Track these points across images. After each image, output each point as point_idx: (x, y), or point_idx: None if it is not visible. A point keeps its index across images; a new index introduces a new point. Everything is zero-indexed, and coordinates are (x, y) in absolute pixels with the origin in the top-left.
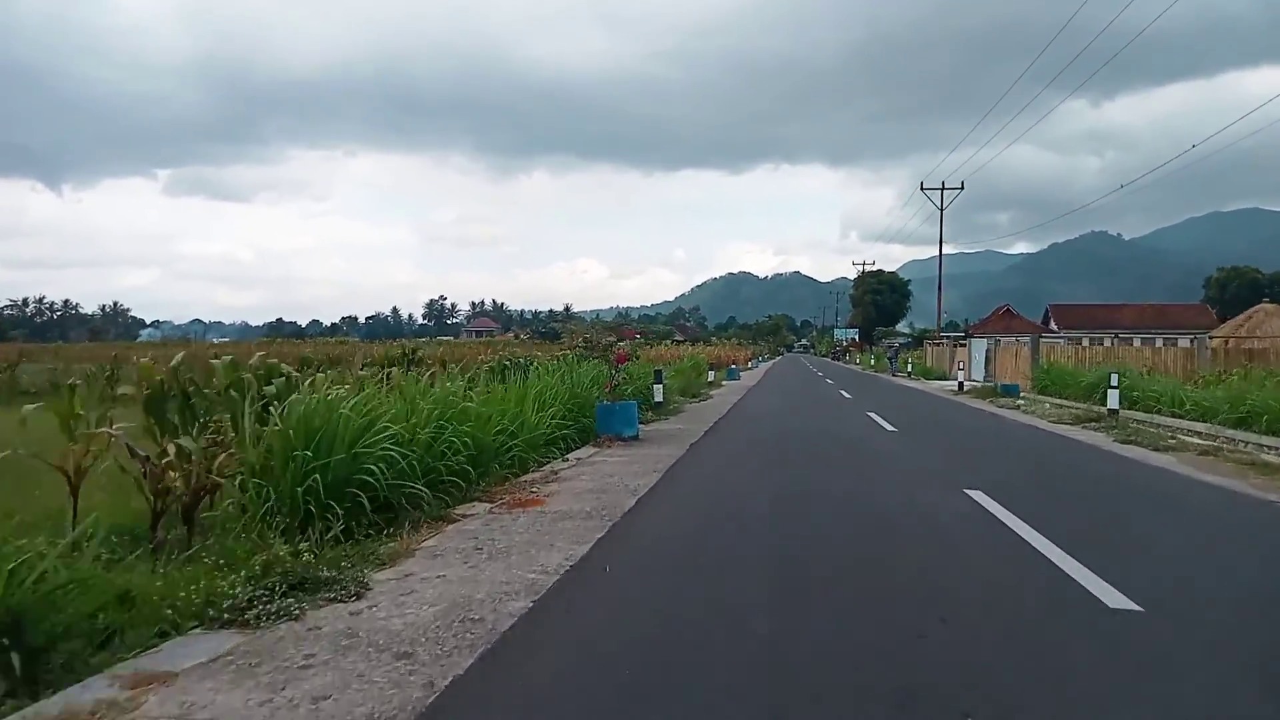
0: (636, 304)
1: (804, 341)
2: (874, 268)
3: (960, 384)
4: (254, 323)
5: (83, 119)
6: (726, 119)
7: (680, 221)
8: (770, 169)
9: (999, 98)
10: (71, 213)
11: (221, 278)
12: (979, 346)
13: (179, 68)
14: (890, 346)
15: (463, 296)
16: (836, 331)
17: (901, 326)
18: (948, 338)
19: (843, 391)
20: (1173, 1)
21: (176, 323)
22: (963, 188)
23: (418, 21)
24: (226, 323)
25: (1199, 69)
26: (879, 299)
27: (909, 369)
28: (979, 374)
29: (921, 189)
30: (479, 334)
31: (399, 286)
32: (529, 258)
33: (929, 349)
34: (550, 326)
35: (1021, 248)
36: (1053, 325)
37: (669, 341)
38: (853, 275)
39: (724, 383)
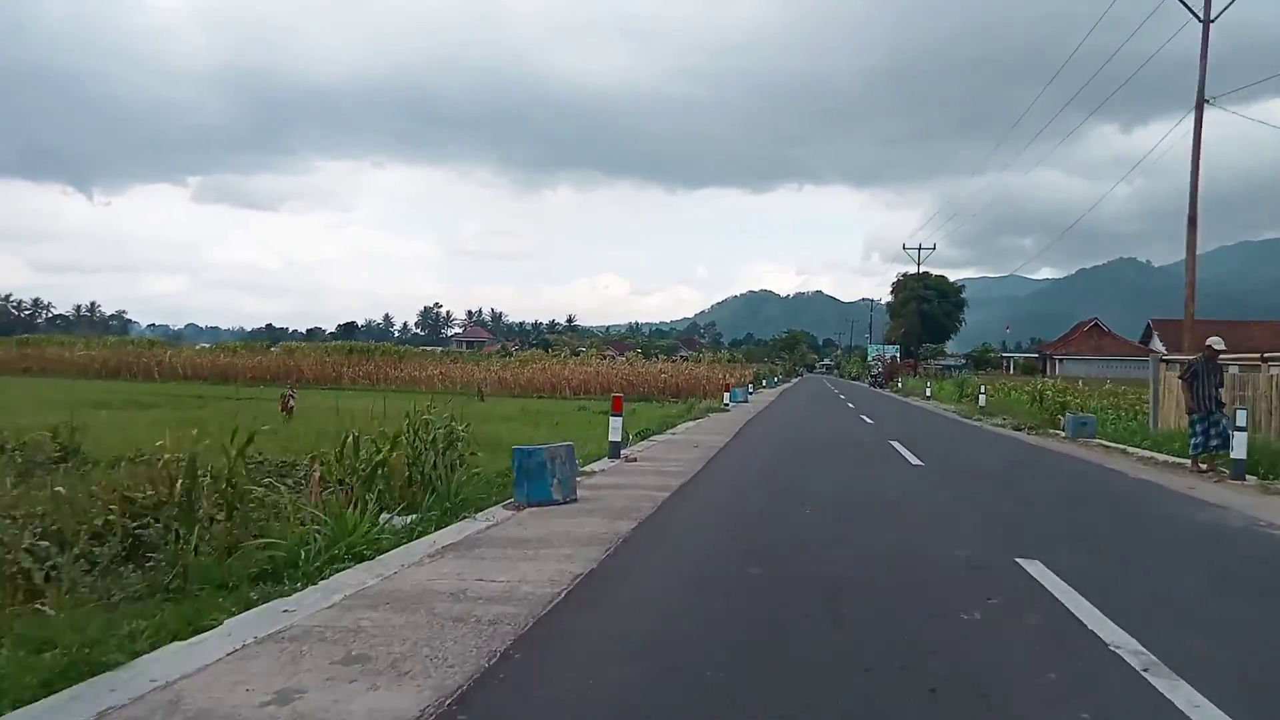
0: (657, 320)
1: (827, 361)
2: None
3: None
4: (249, 326)
5: (111, 123)
6: (749, 138)
7: (702, 239)
8: (793, 189)
9: (1016, 122)
10: (102, 217)
11: (248, 285)
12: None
13: (206, 75)
14: None
15: (486, 309)
16: (871, 349)
17: (949, 346)
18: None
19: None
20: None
21: (174, 326)
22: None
23: (441, 33)
24: (223, 328)
25: (1230, 95)
26: (927, 308)
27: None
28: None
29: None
30: (470, 344)
31: (422, 298)
32: (551, 272)
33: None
34: (543, 339)
35: (1047, 273)
36: (1157, 343)
37: (665, 358)
38: (878, 294)
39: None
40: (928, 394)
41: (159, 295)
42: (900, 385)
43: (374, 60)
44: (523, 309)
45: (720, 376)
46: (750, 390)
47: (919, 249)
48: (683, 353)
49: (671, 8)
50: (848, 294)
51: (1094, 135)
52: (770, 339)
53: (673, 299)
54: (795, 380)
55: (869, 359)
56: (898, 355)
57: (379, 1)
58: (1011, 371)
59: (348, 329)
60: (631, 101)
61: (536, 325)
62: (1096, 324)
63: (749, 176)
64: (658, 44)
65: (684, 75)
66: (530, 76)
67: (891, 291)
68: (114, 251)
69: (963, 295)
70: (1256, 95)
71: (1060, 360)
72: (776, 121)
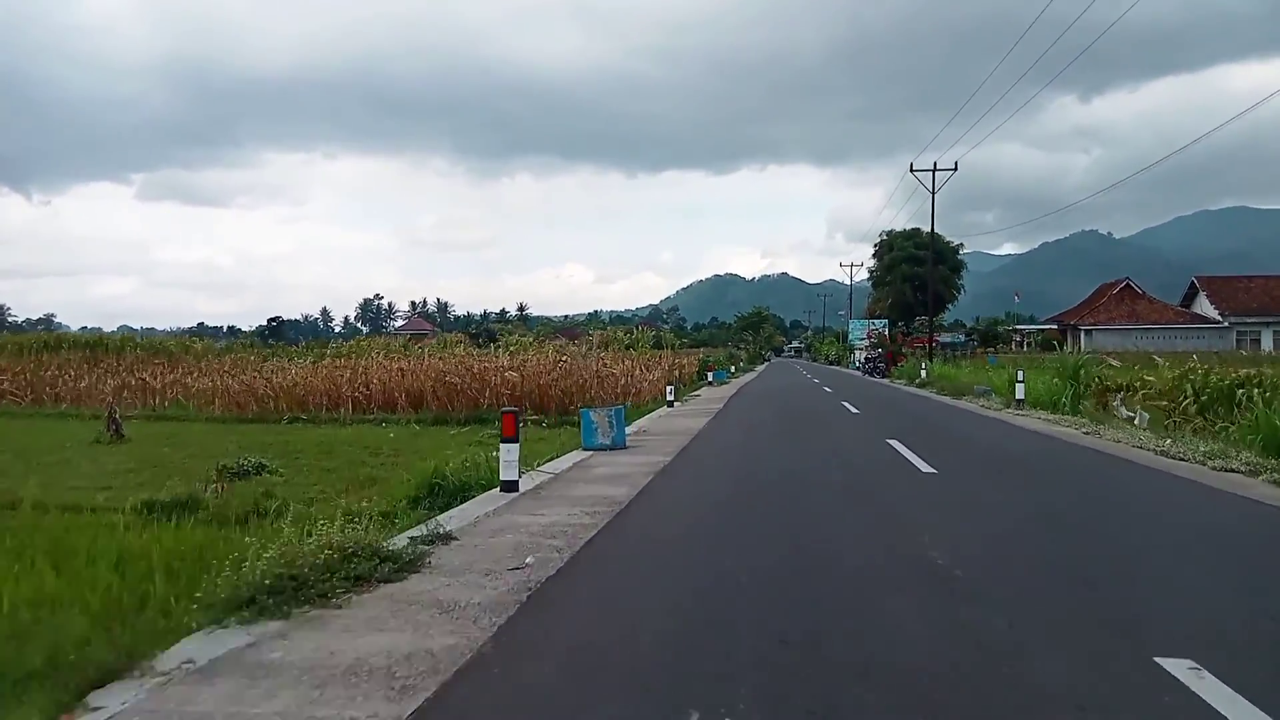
0: (623, 307)
1: (796, 344)
2: (910, 227)
3: None
4: (247, 326)
5: (46, 121)
6: (710, 117)
7: (666, 224)
8: (756, 169)
9: (975, 92)
10: (42, 218)
11: (201, 285)
12: None
13: (146, 67)
14: None
15: (447, 301)
16: (854, 325)
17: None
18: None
19: None
20: None
21: (106, 329)
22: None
23: (392, 17)
24: (160, 328)
25: (1187, 63)
26: (917, 271)
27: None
28: None
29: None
30: (411, 337)
31: (384, 292)
32: (513, 262)
33: None
34: (486, 329)
35: (1010, 248)
36: (1204, 304)
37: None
38: (842, 276)
39: None
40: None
41: (109, 298)
42: (913, 371)
43: (322, 47)
44: (486, 300)
45: (640, 371)
46: (672, 398)
47: (934, 169)
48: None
49: None
50: (814, 275)
51: (1053, 106)
52: (735, 316)
53: (638, 285)
54: (761, 367)
55: (853, 338)
56: (886, 331)
57: None
58: (1028, 348)
59: (275, 325)
60: (589, 83)
61: (486, 315)
62: (1129, 285)
63: (711, 157)
64: (614, 22)
65: (642, 54)
66: (486, 61)
67: (874, 254)
68: (59, 254)
69: (960, 257)
70: (1211, 61)
71: (1087, 331)
72: (737, 99)
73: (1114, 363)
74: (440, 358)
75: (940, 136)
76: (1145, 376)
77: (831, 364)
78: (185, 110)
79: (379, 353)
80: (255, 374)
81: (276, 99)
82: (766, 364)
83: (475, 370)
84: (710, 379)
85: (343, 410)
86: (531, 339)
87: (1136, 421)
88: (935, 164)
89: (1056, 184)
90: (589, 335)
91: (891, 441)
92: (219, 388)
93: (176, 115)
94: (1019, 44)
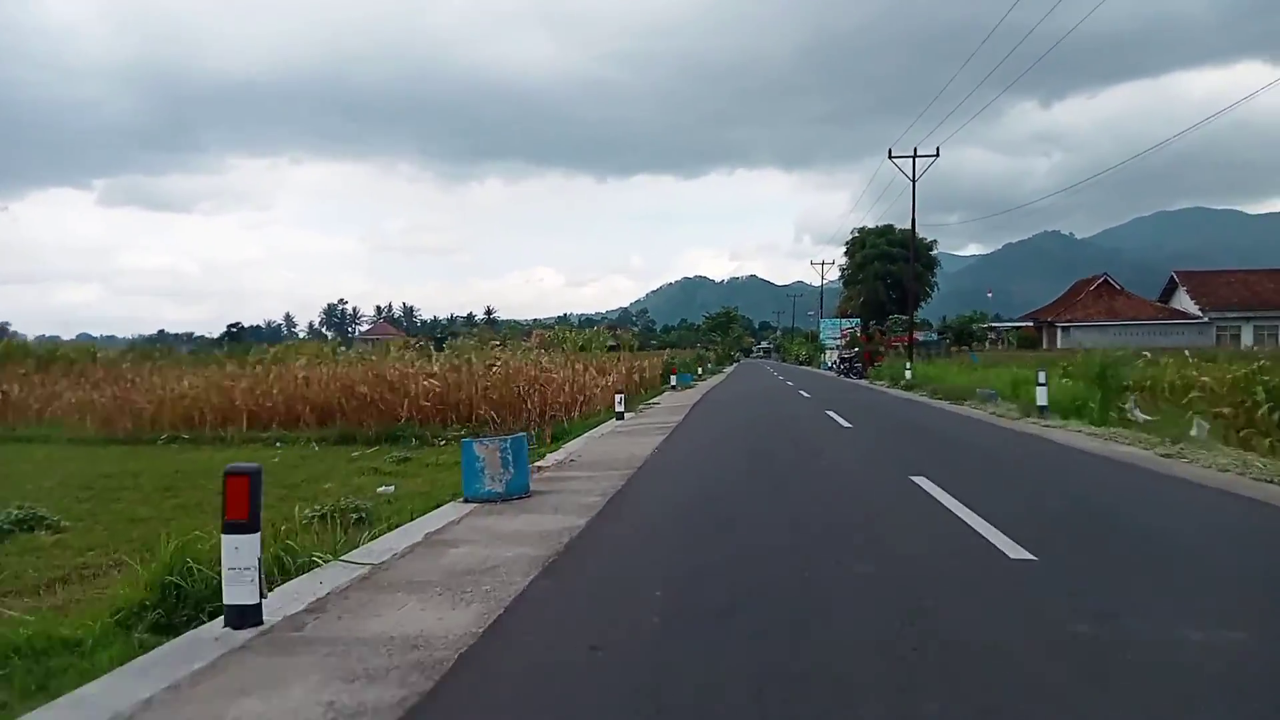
0: (593, 310)
1: (765, 344)
2: (882, 224)
3: None
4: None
5: (4, 124)
6: (679, 122)
7: (636, 228)
8: (724, 173)
9: (935, 98)
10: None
11: (166, 291)
12: None
13: (109, 71)
14: None
15: (421, 305)
16: (825, 325)
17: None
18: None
19: None
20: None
21: (64, 337)
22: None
23: (358, 22)
24: (120, 335)
25: (1145, 69)
26: (890, 270)
27: None
28: None
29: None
30: (375, 342)
31: (350, 297)
32: (483, 267)
33: None
34: (450, 333)
35: (974, 248)
36: (1184, 299)
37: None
38: (811, 277)
39: None
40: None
41: (72, 306)
42: (897, 373)
43: (289, 52)
44: (455, 305)
45: (593, 376)
46: (622, 409)
47: (914, 155)
48: (610, 342)
49: None
50: (782, 277)
51: (1014, 111)
52: (703, 317)
53: (608, 289)
54: (731, 369)
55: (824, 337)
56: (856, 329)
57: None
58: (1003, 346)
59: (235, 332)
60: (557, 87)
61: (453, 319)
62: (1106, 280)
63: (680, 161)
64: (583, 27)
65: (611, 59)
66: (454, 65)
67: (846, 253)
68: (17, 261)
69: (933, 254)
70: (1164, 69)
71: (1065, 328)
72: (705, 104)
73: (1149, 358)
74: (355, 364)
75: (903, 140)
76: (1198, 376)
77: (802, 364)
78: (147, 114)
79: (304, 358)
80: (130, 385)
81: (241, 103)
82: (736, 364)
83: (392, 378)
84: (674, 383)
85: (231, 427)
86: (478, 344)
87: (1194, 433)
88: (915, 150)
89: (1019, 186)
90: (524, 339)
91: (918, 480)
92: (86, 402)
93: (138, 119)
94: (982, 50)
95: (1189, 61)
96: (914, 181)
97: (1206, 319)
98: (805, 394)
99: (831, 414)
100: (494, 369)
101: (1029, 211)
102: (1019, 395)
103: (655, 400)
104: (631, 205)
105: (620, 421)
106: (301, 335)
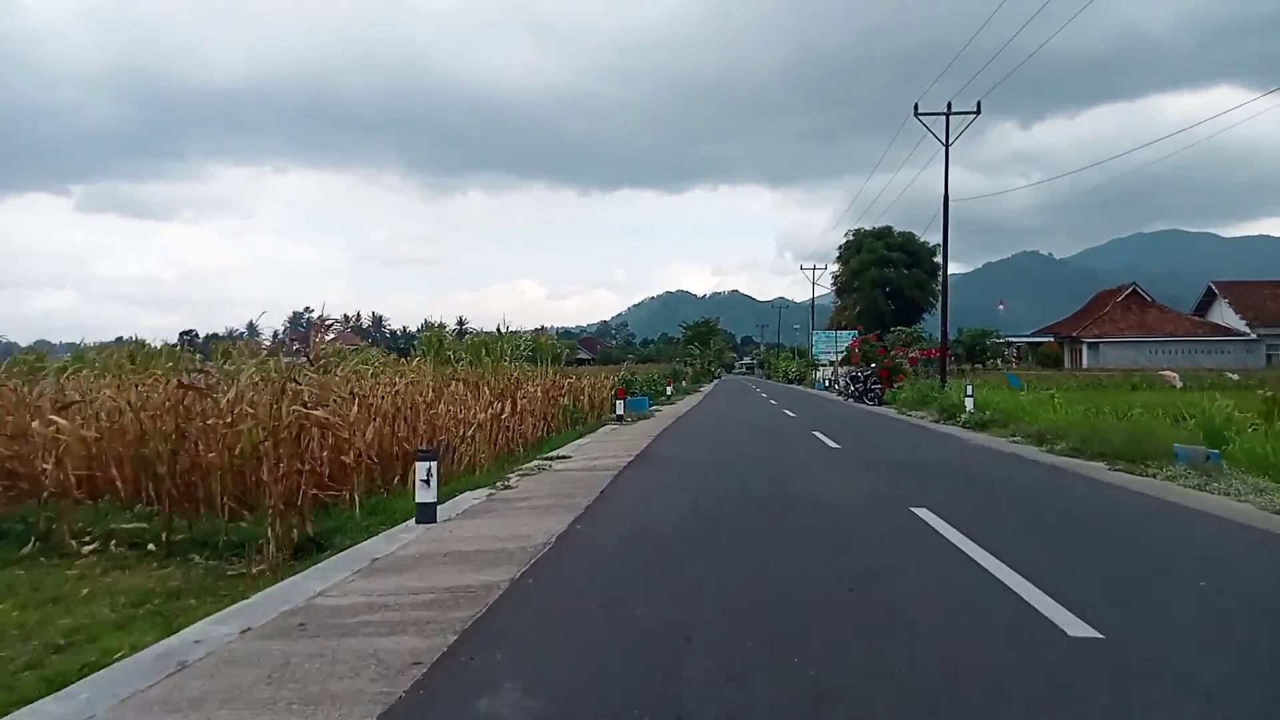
0: (575, 323)
1: (748, 360)
2: (880, 225)
3: None
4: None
5: None
6: (663, 137)
7: (619, 242)
8: (708, 189)
9: (904, 122)
10: None
11: (143, 299)
12: None
13: (90, 77)
14: None
15: (397, 314)
16: (819, 338)
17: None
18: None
19: None
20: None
21: (21, 344)
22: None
23: (343, 32)
24: (82, 342)
25: (1123, 92)
26: (887, 275)
27: None
28: None
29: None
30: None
31: (331, 307)
32: (465, 278)
33: None
34: (411, 345)
35: (955, 267)
36: (1225, 312)
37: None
38: (793, 294)
39: None
40: (968, 413)
41: (46, 312)
42: (929, 399)
43: (272, 61)
44: (434, 315)
45: (470, 404)
46: (430, 497)
47: (948, 111)
48: (581, 354)
49: (580, 4)
50: (764, 293)
51: (994, 132)
52: (680, 329)
53: (590, 302)
54: (709, 387)
55: (817, 352)
56: (865, 341)
57: (278, 1)
58: (1018, 362)
59: (189, 339)
60: (542, 101)
61: (423, 329)
62: (1135, 291)
63: (664, 177)
64: (567, 41)
65: (595, 73)
66: (437, 76)
67: (839, 259)
68: None
69: (936, 259)
70: (1142, 92)
71: (1092, 344)
72: (690, 120)
73: None
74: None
75: (887, 159)
76: None
77: (792, 383)
78: (128, 121)
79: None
80: None
81: (224, 111)
82: (717, 381)
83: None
84: (620, 412)
85: None
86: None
87: None
88: (950, 106)
89: (999, 206)
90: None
91: None
92: None
93: (119, 125)
94: (962, 72)
95: (1164, 85)
96: (947, 146)
97: (1254, 335)
98: (825, 438)
99: (924, 513)
100: (239, 398)
101: (1009, 231)
102: (1255, 454)
103: (582, 441)
104: (614, 219)
105: (428, 531)
106: (267, 344)
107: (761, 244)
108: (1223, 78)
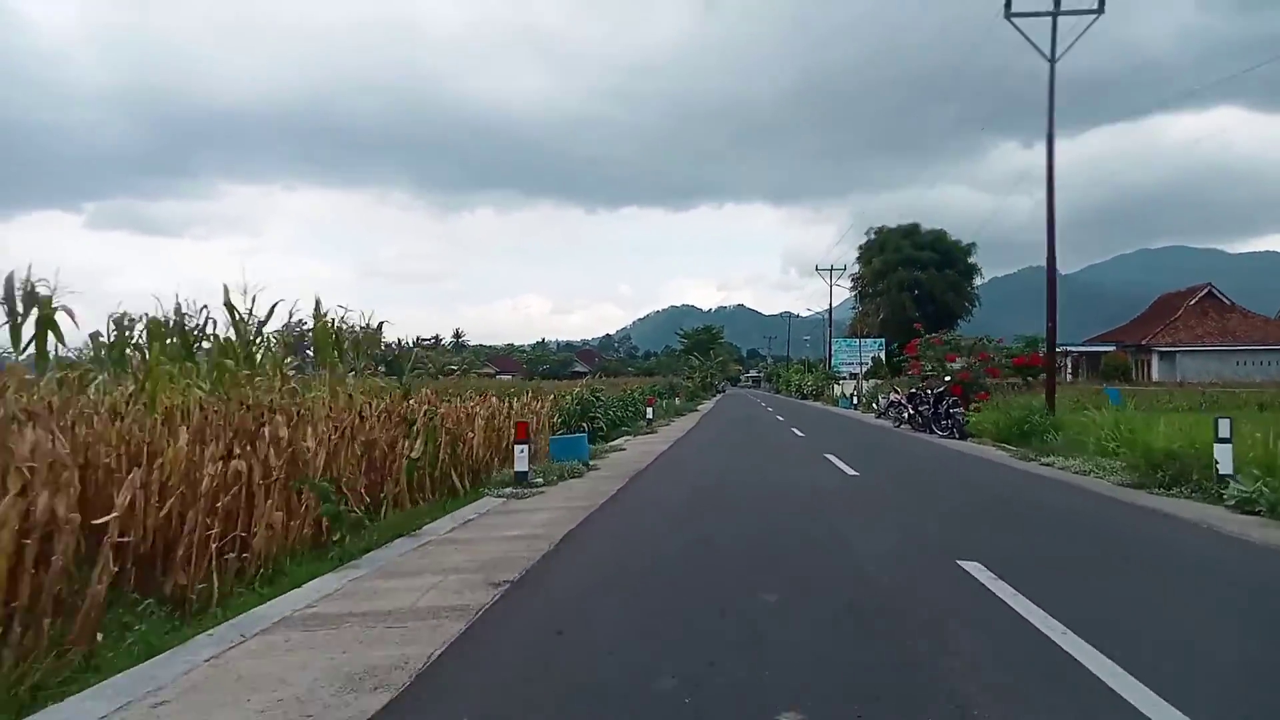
0: (578, 337)
1: (754, 373)
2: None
3: None
4: None
5: None
6: (669, 157)
7: (624, 258)
8: (713, 207)
9: (883, 146)
10: None
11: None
12: None
13: (103, 97)
14: None
15: (395, 328)
16: (840, 347)
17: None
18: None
19: None
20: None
21: None
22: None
23: (354, 54)
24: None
25: (1126, 113)
26: (916, 277)
27: None
28: None
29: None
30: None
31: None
32: (472, 294)
33: None
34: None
35: None
36: None
37: None
38: (798, 308)
39: None
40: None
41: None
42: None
43: (284, 82)
44: (439, 330)
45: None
46: None
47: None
48: (578, 366)
49: (588, 28)
50: (769, 307)
51: (997, 151)
52: (677, 335)
53: (595, 316)
54: (710, 405)
55: (837, 362)
56: (881, 355)
57: (288, 21)
58: (1075, 375)
59: None
60: (550, 122)
61: (420, 344)
62: (1211, 292)
63: (669, 195)
64: (575, 64)
65: (602, 96)
66: (447, 98)
67: (859, 259)
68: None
69: (972, 260)
70: (1146, 112)
71: (1165, 353)
72: (695, 140)
73: None
74: None
75: (890, 179)
76: None
77: (805, 398)
78: (140, 140)
79: None
80: None
81: (235, 130)
82: (720, 396)
83: None
84: (523, 467)
85: None
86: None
87: None
88: (1057, 3)
89: (1002, 223)
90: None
91: None
92: None
93: (131, 145)
94: (966, 95)
95: (1167, 106)
96: (1053, 62)
97: None
98: (990, 574)
99: None
100: None
101: (1013, 247)
102: None
103: (457, 525)
104: (620, 236)
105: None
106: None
107: (767, 260)
108: (1226, 99)
